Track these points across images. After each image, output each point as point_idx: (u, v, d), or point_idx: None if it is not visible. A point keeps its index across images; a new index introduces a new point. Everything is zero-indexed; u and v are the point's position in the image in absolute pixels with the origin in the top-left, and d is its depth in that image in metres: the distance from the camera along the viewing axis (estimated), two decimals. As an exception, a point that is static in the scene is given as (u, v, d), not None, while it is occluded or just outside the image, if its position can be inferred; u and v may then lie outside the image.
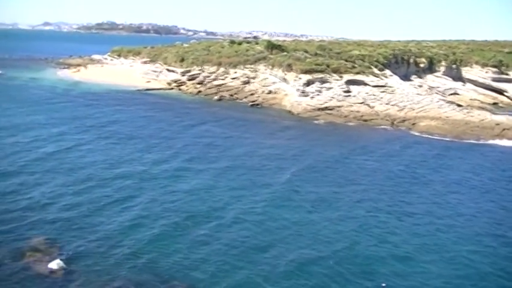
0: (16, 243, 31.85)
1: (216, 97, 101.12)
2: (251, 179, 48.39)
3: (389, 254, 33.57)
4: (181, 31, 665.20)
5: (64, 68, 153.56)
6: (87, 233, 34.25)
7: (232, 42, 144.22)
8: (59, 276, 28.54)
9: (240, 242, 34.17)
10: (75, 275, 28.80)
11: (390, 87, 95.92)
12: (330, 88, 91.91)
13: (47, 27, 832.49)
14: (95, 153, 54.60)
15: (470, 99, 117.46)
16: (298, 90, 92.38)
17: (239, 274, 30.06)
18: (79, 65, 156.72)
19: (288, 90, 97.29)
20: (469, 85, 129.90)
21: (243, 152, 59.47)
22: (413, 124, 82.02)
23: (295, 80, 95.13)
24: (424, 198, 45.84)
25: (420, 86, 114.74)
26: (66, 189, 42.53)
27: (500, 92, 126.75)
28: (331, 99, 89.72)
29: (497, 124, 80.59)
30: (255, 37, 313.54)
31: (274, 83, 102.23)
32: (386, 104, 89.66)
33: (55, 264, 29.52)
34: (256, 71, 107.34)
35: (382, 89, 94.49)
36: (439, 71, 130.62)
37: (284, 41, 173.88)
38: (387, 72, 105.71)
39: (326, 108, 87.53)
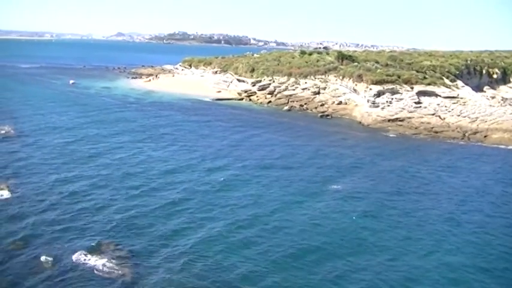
0: (79, 244, 33.80)
1: (286, 107, 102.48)
2: (305, 187, 49.41)
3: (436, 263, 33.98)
4: (252, 41, 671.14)
5: (136, 77, 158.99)
6: (146, 235, 36.02)
7: (303, 52, 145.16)
8: (118, 277, 30.11)
9: (287, 246, 35.41)
10: (132, 275, 30.32)
11: (462, 98, 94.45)
12: (401, 99, 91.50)
13: (120, 38, 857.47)
14: (164, 160, 57.12)
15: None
16: (368, 101, 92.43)
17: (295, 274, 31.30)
18: (151, 75, 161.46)
19: (358, 101, 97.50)
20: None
21: (305, 160, 60.42)
22: (485, 136, 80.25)
23: (365, 90, 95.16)
24: (491, 213, 44.83)
25: (493, 97, 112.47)
26: (134, 193, 45.11)
27: None
28: (401, 110, 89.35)
29: None
30: (325, 47, 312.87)
31: (344, 93, 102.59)
32: (458, 115, 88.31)
33: (115, 265, 31.20)
34: (326, 82, 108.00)
35: (454, 100, 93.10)
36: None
37: (355, 51, 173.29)
38: (459, 83, 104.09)
39: (396, 119, 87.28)
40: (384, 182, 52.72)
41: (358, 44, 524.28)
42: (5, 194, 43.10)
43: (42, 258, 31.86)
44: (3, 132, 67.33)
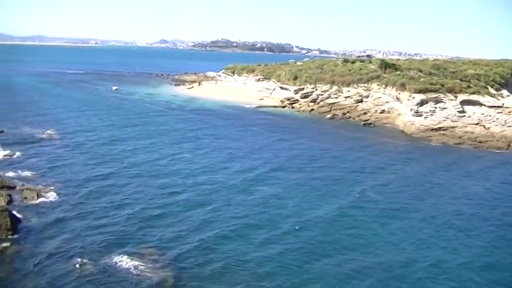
0: (120, 247, 34.70)
1: (328, 115, 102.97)
2: (342, 193, 50.13)
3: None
4: (295, 49, 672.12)
5: (179, 84, 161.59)
6: (185, 240, 36.82)
7: (346, 60, 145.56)
8: (169, 285, 30.59)
9: (312, 246, 36.55)
10: (171, 280, 30.85)
11: (507, 107, 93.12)
12: (444, 108, 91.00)
13: (163, 45, 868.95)
14: (205, 167, 58.12)
15: None
16: (411, 109, 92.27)
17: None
18: (194, 82, 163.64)
19: (401, 110, 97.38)
20: None
21: (344, 167, 60.91)
22: (532, 147, 79.16)
23: (408, 99, 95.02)
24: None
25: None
26: (174, 198, 46.16)
27: None
28: (445, 120, 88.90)
29: None
30: (368, 56, 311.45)
31: (387, 102, 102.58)
32: (503, 125, 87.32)
33: (155, 270, 31.79)
34: (369, 90, 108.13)
35: (499, 110, 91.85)
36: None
37: (398, 59, 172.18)
38: (504, 92, 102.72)
39: (440, 128, 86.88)
40: (422, 191, 52.83)
41: (401, 53, 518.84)
42: (51, 196, 44.89)
43: (83, 260, 32.78)
44: (47, 136, 69.91)
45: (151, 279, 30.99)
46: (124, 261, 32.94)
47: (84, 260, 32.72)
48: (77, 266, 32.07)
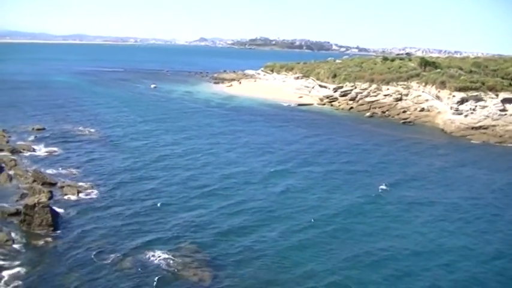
0: (159, 245, 35.23)
1: (367, 114, 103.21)
2: (379, 192, 50.45)
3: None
4: (334, 47, 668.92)
5: (218, 82, 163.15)
6: (225, 238, 37.28)
7: (385, 58, 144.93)
8: (206, 283, 30.85)
9: (348, 248, 36.72)
10: (222, 282, 31.04)
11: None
12: (485, 106, 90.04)
13: (203, 43, 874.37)
14: (242, 164, 59.16)
15: None
16: (451, 108, 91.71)
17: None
18: (233, 80, 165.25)
19: (441, 108, 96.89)
20: None
21: (383, 167, 61.02)
22: None
23: (448, 97, 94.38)
24: None
25: None
26: (212, 195, 47.06)
27: None
28: (485, 118, 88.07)
29: None
30: (407, 53, 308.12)
31: (427, 100, 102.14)
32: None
33: (204, 274, 31.53)
34: (408, 88, 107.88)
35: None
36: None
37: (438, 57, 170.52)
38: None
39: (480, 127, 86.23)
40: (463, 191, 52.74)
41: (441, 50, 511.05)
42: (90, 193, 46.13)
43: (120, 256, 33.48)
44: (87, 133, 72.14)
45: (188, 276, 31.40)
46: (161, 258, 33.46)
47: (122, 256, 33.48)
48: (115, 261, 32.76)
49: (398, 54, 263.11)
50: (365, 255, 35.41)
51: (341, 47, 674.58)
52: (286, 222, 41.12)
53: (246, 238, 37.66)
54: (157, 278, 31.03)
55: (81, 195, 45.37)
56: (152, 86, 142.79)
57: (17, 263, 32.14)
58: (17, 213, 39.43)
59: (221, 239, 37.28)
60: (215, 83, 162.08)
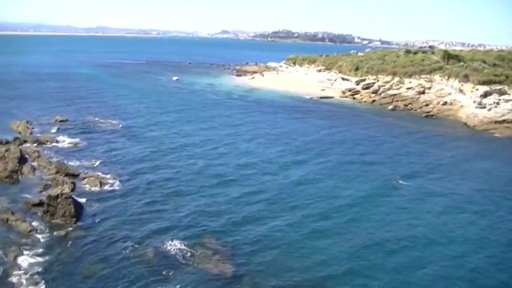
0: (189, 243, 34.88)
1: (390, 107, 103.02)
2: (395, 183, 50.51)
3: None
4: (356, 40, 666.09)
5: (240, 74, 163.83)
6: (246, 230, 37.48)
7: (408, 51, 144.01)
8: (228, 276, 30.96)
9: (364, 238, 36.95)
10: (243, 276, 31.12)
11: None
12: (509, 100, 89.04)
13: (225, 35, 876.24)
14: (263, 156, 59.52)
15: None
16: (474, 101, 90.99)
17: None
18: (255, 72, 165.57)
19: (464, 102, 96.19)
20: None
21: (401, 159, 60.90)
22: None
23: (471, 91, 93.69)
24: None
25: None
26: (234, 187, 47.24)
27: None
28: (509, 112, 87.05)
29: None
30: (430, 46, 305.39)
31: (449, 93, 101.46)
32: None
33: (224, 264, 31.93)
34: (431, 81, 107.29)
35: None
36: None
37: (461, 50, 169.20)
38: None
39: (504, 121, 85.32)
40: (483, 183, 52.55)
41: (464, 43, 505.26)
42: (112, 184, 46.89)
43: (142, 247, 33.97)
44: (109, 124, 73.14)
45: (209, 268, 31.69)
46: (181, 248, 33.90)
47: (143, 247, 34.01)
48: (136, 252, 33.30)
49: (421, 47, 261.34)
50: (380, 244, 35.96)
51: (363, 39, 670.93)
52: (303, 211, 41.68)
53: (264, 227, 38.20)
54: (177, 268, 31.54)
55: (104, 186, 46.13)
56: (174, 78, 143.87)
57: (40, 252, 32.84)
58: (40, 204, 40.20)
59: (239, 228, 37.86)
60: (237, 75, 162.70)
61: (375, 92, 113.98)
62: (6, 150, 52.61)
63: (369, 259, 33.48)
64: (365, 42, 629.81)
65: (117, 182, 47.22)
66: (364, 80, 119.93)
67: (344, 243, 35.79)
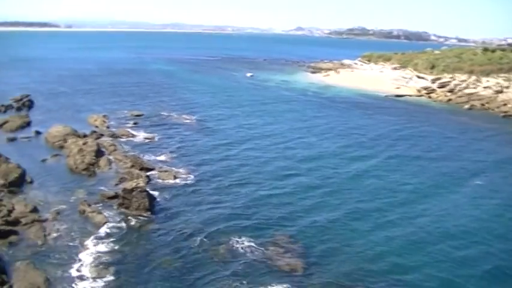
0: (260, 239, 35.38)
1: (466, 106, 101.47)
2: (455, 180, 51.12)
3: None
4: (432, 37, 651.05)
5: (315, 72, 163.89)
6: (321, 231, 37.46)
7: (486, 49, 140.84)
8: (298, 273, 31.19)
9: (425, 232, 37.43)
10: (313, 273, 31.33)
11: None
12: None
13: (299, 32, 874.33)
14: (337, 153, 60.39)
15: None
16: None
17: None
18: (329, 69, 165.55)
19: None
20: None
21: (473, 159, 60.44)
22: None
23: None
24: None
25: None
26: (309, 186, 47.64)
27: None
28: None
29: None
30: (509, 44, 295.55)
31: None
32: None
33: (295, 261, 32.09)
34: (510, 80, 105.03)
35: None
36: None
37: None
38: None
39: None
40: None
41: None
42: (186, 178, 48.17)
43: (213, 242, 34.67)
44: (182, 119, 75.54)
45: (280, 265, 31.96)
46: (254, 246, 34.27)
47: (214, 242, 34.70)
48: (206, 247, 34.04)
49: (499, 45, 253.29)
50: (456, 252, 35.24)
51: (439, 37, 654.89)
52: (375, 214, 41.64)
53: (334, 224, 38.70)
54: (248, 264, 32.01)
55: (177, 180, 47.55)
56: (248, 74, 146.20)
57: (113, 243, 34.23)
58: (115, 196, 41.80)
59: (309, 224, 38.38)
60: (312, 72, 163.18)
61: (451, 90, 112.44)
62: (84, 144, 55.17)
63: (442, 266, 33.34)
64: (441, 39, 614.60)
65: (190, 176, 48.70)
66: (440, 78, 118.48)
67: (416, 248, 35.74)
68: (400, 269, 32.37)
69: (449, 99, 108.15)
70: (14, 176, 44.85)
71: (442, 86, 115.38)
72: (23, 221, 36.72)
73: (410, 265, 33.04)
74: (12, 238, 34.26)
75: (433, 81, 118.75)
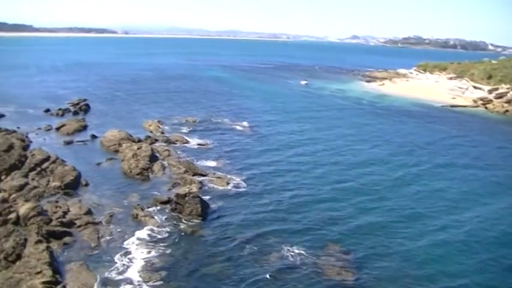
0: (311, 247, 35.35)
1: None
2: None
3: None
4: (490, 47, 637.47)
5: (370, 81, 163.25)
6: (369, 240, 37.34)
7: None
8: (349, 283, 31.18)
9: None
10: (363, 281, 31.40)
11: None
12: None
13: (355, 41, 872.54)
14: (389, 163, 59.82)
15: None
16: None
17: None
18: (385, 78, 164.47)
19: None
20: None
21: None
22: None
23: None
24: None
25: None
26: (359, 197, 47.10)
27: None
28: None
29: None
30: None
31: None
32: None
33: (346, 272, 32.03)
34: None
35: None
36: None
37: None
38: None
39: None
40: None
41: None
42: (238, 185, 48.51)
43: (264, 249, 34.73)
44: (237, 126, 76.23)
45: (331, 275, 31.90)
46: (304, 254, 34.29)
47: (265, 249, 34.84)
48: (257, 254, 34.21)
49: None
50: (505, 260, 34.99)
51: (497, 46, 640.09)
52: (423, 219, 41.78)
53: (383, 235, 38.38)
54: (299, 273, 31.97)
55: (229, 186, 48.02)
56: (303, 82, 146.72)
57: (165, 248, 34.84)
58: (168, 201, 42.67)
59: (360, 235, 38.22)
60: (367, 81, 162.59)
61: (509, 101, 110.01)
62: (139, 148, 56.29)
63: (484, 259, 34.24)
64: (499, 49, 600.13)
65: (242, 183, 49.01)
66: (498, 88, 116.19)
67: (463, 255, 35.57)
68: (448, 277, 32.29)
69: (506, 111, 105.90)
70: (70, 178, 46.40)
71: (499, 97, 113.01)
72: (78, 222, 38.05)
73: (459, 272, 32.93)
74: (67, 239, 35.47)
75: (490, 91, 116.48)
